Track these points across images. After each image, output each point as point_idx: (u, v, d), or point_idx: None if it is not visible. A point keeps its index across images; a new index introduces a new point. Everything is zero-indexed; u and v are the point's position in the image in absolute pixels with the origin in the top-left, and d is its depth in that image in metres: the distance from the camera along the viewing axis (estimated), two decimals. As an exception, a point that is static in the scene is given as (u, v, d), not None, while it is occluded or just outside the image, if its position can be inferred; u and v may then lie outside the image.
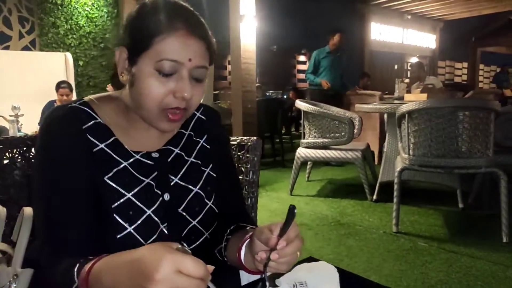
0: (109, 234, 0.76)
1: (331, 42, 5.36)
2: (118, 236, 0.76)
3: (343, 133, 3.47)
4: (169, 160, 0.85)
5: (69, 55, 5.67)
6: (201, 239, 0.86)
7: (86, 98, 0.84)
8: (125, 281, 0.54)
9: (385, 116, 4.42)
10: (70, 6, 6.18)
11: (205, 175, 0.89)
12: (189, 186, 0.86)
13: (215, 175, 0.91)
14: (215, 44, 0.80)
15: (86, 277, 0.60)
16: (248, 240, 0.78)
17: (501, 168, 2.45)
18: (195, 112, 0.94)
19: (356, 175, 4.46)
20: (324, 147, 3.57)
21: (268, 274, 0.69)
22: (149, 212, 0.78)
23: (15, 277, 0.80)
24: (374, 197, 3.37)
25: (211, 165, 0.91)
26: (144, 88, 0.74)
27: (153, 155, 0.83)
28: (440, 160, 2.55)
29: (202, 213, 0.86)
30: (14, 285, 0.79)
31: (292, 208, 0.67)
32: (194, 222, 0.84)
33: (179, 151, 0.88)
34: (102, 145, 0.79)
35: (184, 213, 0.83)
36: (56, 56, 5.69)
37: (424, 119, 2.55)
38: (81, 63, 6.30)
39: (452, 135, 2.50)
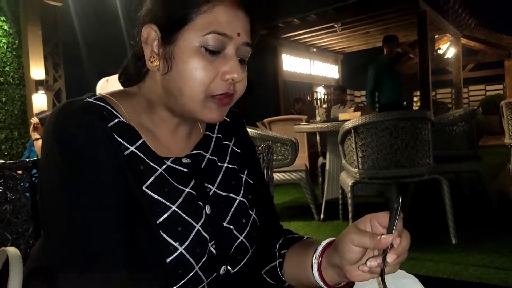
0: (156, 259, 0.59)
1: (388, 51, 4.60)
2: (168, 260, 0.60)
3: (286, 155, 3.48)
4: (202, 166, 0.71)
5: (-40, 90, 4.93)
6: (246, 259, 0.73)
7: (98, 94, 0.68)
8: None
9: (317, 137, 4.60)
10: (-40, 36, 5.44)
11: (243, 181, 0.77)
12: (231, 195, 0.73)
13: (252, 182, 0.79)
14: (259, 23, 0.71)
15: None
16: (326, 251, 0.67)
17: (442, 174, 2.63)
18: None
19: (294, 197, 4.51)
20: (266, 170, 3.53)
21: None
22: (197, 226, 0.64)
23: None
24: (321, 216, 3.40)
25: (246, 170, 0.79)
26: (188, 70, 0.61)
27: (184, 161, 0.69)
28: (387, 171, 2.66)
29: (248, 226, 0.73)
30: None
31: (396, 196, 0.58)
32: (242, 238, 0.71)
33: (211, 156, 0.74)
34: (132, 148, 0.63)
35: (231, 227, 0.70)
36: None
37: (370, 133, 2.67)
38: (-24, 100, 5.51)
39: (395, 147, 2.64)
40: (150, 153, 0.65)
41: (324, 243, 0.68)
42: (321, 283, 0.66)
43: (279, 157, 3.52)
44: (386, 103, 4.44)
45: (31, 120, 3.34)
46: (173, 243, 0.60)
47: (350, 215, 2.70)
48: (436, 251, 2.44)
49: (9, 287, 0.63)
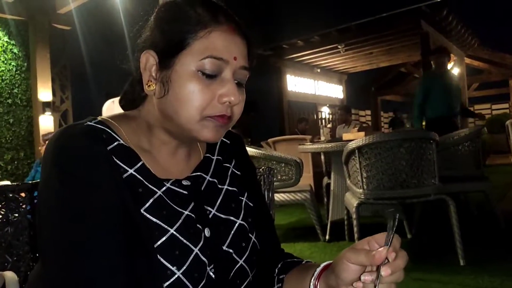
0: (153, 283, 0.58)
1: (436, 64, 4.42)
2: (165, 285, 0.59)
3: (290, 175, 3.46)
4: (202, 188, 0.71)
5: (-31, 112, 5.01)
6: (245, 283, 0.71)
7: (99, 118, 0.68)
8: None
9: (322, 157, 4.58)
10: (-29, 59, 5.57)
11: (243, 204, 0.77)
12: (231, 218, 0.72)
13: (252, 205, 0.78)
14: (255, 48, 0.71)
15: None
16: (323, 273, 0.66)
17: (448, 195, 2.60)
18: None
19: (299, 217, 4.47)
20: (271, 191, 3.51)
21: None
22: (196, 250, 0.63)
23: None
24: (327, 237, 3.35)
25: (246, 193, 0.79)
26: (184, 93, 0.61)
27: (184, 183, 0.69)
28: (392, 191, 2.64)
29: (248, 250, 0.72)
30: None
31: (392, 213, 0.57)
32: (241, 262, 0.70)
33: (210, 179, 0.74)
34: (131, 171, 0.63)
35: (231, 250, 0.69)
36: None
37: (374, 153, 2.66)
38: (-16, 121, 5.60)
39: (400, 167, 2.62)
40: (149, 175, 0.65)
41: (322, 265, 0.67)
42: None
43: (284, 177, 3.51)
44: (435, 117, 4.30)
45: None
46: (171, 267, 0.59)
47: (355, 236, 2.66)
48: (444, 272, 2.38)
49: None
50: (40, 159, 3.34)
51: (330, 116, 11.76)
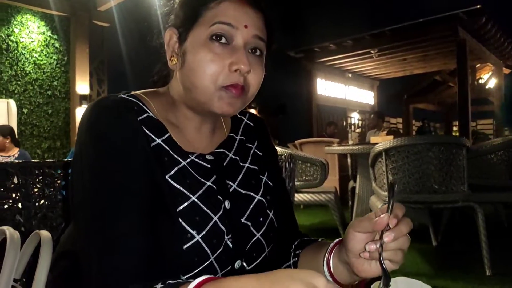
0: (173, 245, 0.62)
1: None
2: (185, 247, 0.62)
3: (315, 176, 3.47)
4: (224, 164, 0.75)
5: (12, 102, 5.30)
6: (261, 257, 0.74)
7: (133, 92, 0.73)
8: None
9: (348, 160, 4.55)
10: (16, 51, 5.88)
11: (263, 182, 0.80)
12: (251, 194, 0.75)
13: (271, 184, 0.82)
14: (273, 22, 0.74)
15: None
16: (335, 248, 0.68)
17: (477, 203, 2.54)
18: (242, 118, 0.86)
19: (323, 219, 4.44)
20: (295, 190, 3.53)
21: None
22: (215, 218, 0.67)
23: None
24: (349, 239, 3.32)
25: (267, 173, 0.82)
26: (196, 62, 0.65)
27: (208, 157, 0.72)
28: (418, 196, 2.60)
29: (266, 225, 0.75)
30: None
31: (392, 184, 0.59)
32: (258, 235, 0.73)
33: (233, 156, 0.78)
34: (159, 140, 0.68)
35: (249, 223, 0.72)
36: (-2, 103, 5.28)
37: (402, 156, 2.63)
38: (25, 111, 5.90)
39: (428, 171, 2.58)
40: (175, 147, 0.69)
41: (334, 242, 0.69)
42: (330, 279, 0.67)
43: (308, 177, 3.51)
44: None
45: None
46: (191, 231, 0.63)
47: (378, 239, 2.63)
48: (469, 281, 2.33)
49: (39, 265, 0.68)
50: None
51: (360, 122, 11.61)
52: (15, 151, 4.16)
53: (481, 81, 11.53)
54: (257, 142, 0.85)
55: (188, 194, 0.66)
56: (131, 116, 0.65)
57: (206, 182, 0.69)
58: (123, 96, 0.69)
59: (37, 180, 0.98)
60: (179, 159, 0.68)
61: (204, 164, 0.71)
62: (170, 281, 0.51)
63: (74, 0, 6.13)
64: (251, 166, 0.79)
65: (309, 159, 3.50)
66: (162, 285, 0.50)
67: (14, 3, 5.67)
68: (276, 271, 0.42)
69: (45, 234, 0.76)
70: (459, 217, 3.27)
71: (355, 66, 9.66)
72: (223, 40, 0.65)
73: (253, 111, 12.26)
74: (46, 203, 1.00)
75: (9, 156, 4.10)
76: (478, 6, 6.38)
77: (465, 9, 6.47)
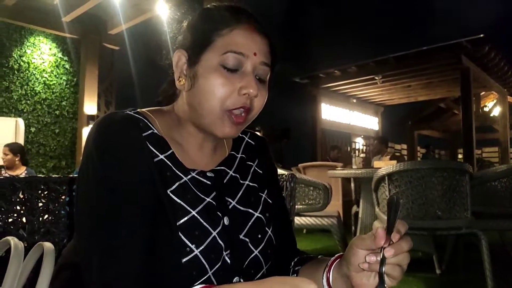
0: (172, 258, 0.64)
1: None
2: (184, 260, 0.64)
3: (317, 199, 3.46)
4: (224, 181, 0.77)
5: (21, 121, 5.39)
6: (259, 274, 0.75)
7: (138, 110, 0.77)
8: None
9: (352, 185, 4.54)
10: (27, 71, 6.02)
11: (262, 200, 0.82)
12: (250, 211, 0.77)
13: (271, 202, 0.83)
14: (277, 47, 0.78)
15: None
16: (336, 262, 0.69)
17: (483, 231, 2.51)
18: (244, 136, 0.89)
19: (325, 245, 4.39)
20: (297, 214, 3.52)
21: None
22: (214, 233, 0.68)
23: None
24: (352, 265, 3.28)
25: (267, 190, 0.84)
26: (207, 85, 0.68)
27: (208, 174, 0.75)
28: (422, 222, 2.58)
29: (264, 242, 0.76)
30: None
31: (394, 199, 0.61)
32: (256, 252, 0.74)
33: (233, 173, 0.80)
34: (162, 156, 0.70)
35: (247, 239, 0.73)
36: (7, 121, 5.37)
37: (405, 181, 2.63)
38: (33, 129, 5.99)
39: (431, 197, 2.57)
40: (177, 163, 0.72)
41: (334, 257, 0.70)
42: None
43: (311, 201, 3.50)
44: None
45: None
46: (190, 245, 0.65)
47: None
48: (473, 311, 2.28)
49: (41, 276, 0.69)
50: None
51: (364, 147, 11.61)
52: (23, 170, 4.20)
53: (486, 109, 11.56)
54: (258, 161, 0.87)
55: (189, 208, 0.68)
56: (136, 132, 0.68)
57: (206, 198, 0.71)
58: (129, 112, 0.72)
59: (42, 195, 1.00)
60: (181, 174, 0.71)
61: (205, 180, 0.73)
62: None
63: (86, 23, 6.31)
64: (251, 184, 0.81)
65: (312, 183, 3.50)
66: None
67: (28, 25, 5.85)
68: (270, 278, 0.44)
69: (48, 245, 0.78)
70: (463, 245, 3.22)
71: (360, 92, 9.75)
72: (234, 67, 0.69)
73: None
74: (50, 218, 1.01)
75: (16, 175, 4.14)
76: (482, 35, 6.47)
77: (468, 37, 6.57)
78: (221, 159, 0.80)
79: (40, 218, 1.01)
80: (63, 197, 1.04)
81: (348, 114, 10.55)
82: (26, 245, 0.97)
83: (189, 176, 0.71)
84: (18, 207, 0.98)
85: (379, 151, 5.90)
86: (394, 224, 0.59)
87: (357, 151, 11.12)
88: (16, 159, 4.08)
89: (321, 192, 3.45)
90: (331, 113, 9.89)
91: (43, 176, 1.06)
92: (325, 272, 0.70)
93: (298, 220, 3.48)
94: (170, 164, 0.70)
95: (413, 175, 2.59)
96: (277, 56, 0.77)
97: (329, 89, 9.38)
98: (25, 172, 4.22)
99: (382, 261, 0.59)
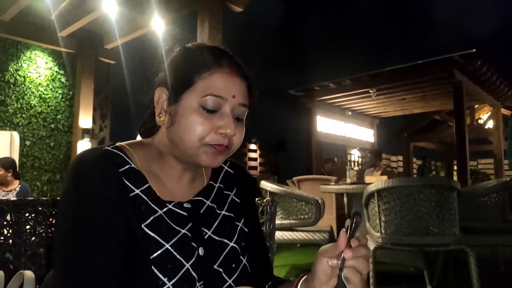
0: None
1: None
2: None
3: (309, 214, 3.48)
4: (201, 212, 0.80)
5: (16, 134, 5.40)
6: None
7: (117, 144, 0.80)
8: None
9: (345, 199, 4.56)
10: (23, 85, 6.06)
11: (238, 229, 0.85)
12: (224, 240, 0.80)
13: (247, 230, 0.86)
14: (255, 87, 0.81)
15: None
16: (303, 278, 0.73)
17: (473, 247, 2.54)
18: (223, 165, 0.92)
19: (318, 260, 4.38)
20: (290, 228, 3.53)
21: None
22: (187, 265, 0.71)
23: None
24: (344, 280, 3.29)
25: (243, 219, 0.87)
26: (187, 124, 0.72)
27: (185, 205, 0.78)
28: (411, 238, 2.60)
29: (238, 271, 0.79)
30: None
31: (356, 214, 0.66)
32: (230, 281, 0.77)
33: (210, 203, 0.83)
34: (137, 191, 0.73)
35: (221, 270, 0.76)
36: (2, 135, 5.38)
37: (393, 198, 2.65)
38: (28, 143, 6.00)
39: (420, 213, 2.60)
40: (154, 196, 0.74)
41: (301, 275, 0.73)
42: None
43: (304, 216, 3.52)
44: None
45: None
46: (163, 278, 0.67)
47: (371, 281, 2.61)
48: (461, 328, 2.29)
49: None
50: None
51: (360, 159, 11.65)
52: (16, 184, 4.19)
53: (481, 121, 11.65)
54: (236, 189, 0.89)
55: (162, 242, 0.70)
56: (112, 168, 0.71)
57: (181, 230, 0.74)
58: (108, 148, 0.75)
59: (30, 217, 1.02)
60: (156, 208, 0.73)
61: (181, 212, 0.76)
62: None
63: (82, 38, 6.38)
64: (227, 214, 0.84)
65: (304, 198, 3.52)
66: None
67: (24, 40, 5.91)
68: None
69: (28, 274, 0.80)
70: (453, 260, 3.24)
71: (355, 104, 9.83)
72: (213, 108, 0.73)
73: (253, 146, 12.26)
74: (37, 240, 1.03)
75: (10, 191, 4.12)
76: (474, 50, 6.57)
77: (461, 52, 6.66)
78: (199, 189, 0.83)
79: (27, 241, 1.02)
80: (51, 219, 1.06)
81: (344, 126, 10.61)
82: (12, 267, 0.99)
83: (165, 209, 0.74)
84: (5, 230, 1.00)
85: (373, 164, 5.94)
86: (354, 234, 0.65)
87: (352, 163, 11.15)
88: (8, 175, 4.07)
89: (313, 207, 3.47)
90: (327, 125, 9.95)
91: (31, 198, 1.08)
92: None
93: (291, 234, 3.49)
94: (146, 198, 0.73)
95: (402, 191, 2.62)
96: (255, 94, 0.80)
97: (324, 102, 9.45)
98: (19, 186, 4.21)
99: (342, 263, 0.63)
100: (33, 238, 1.04)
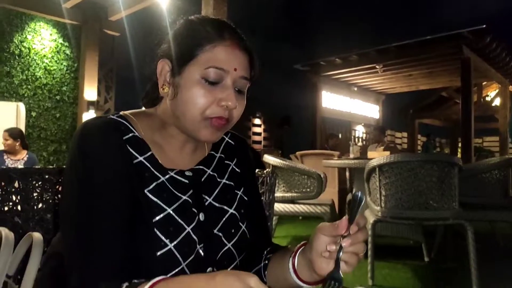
0: (148, 251, 0.70)
1: None
2: (158, 253, 0.70)
3: (311, 188, 3.53)
4: (202, 180, 0.82)
5: (22, 105, 5.44)
6: (232, 266, 0.82)
7: (121, 112, 0.82)
8: None
9: (347, 173, 4.60)
10: (28, 57, 6.06)
11: (238, 197, 0.87)
12: (224, 207, 0.83)
13: (246, 199, 0.89)
14: (257, 61, 0.82)
15: None
16: (301, 248, 0.76)
17: (472, 222, 2.57)
18: (224, 137, 0.94)
19: (320, 233, 4.46)
20: (292, 201, 3.59)
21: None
22: (188, 229, 0.74)
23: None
24: (343, 252, 3.36)
25: (243, 188, 0.90)
26: (189, 96, 0.73)
27: (187, 173, 0.80)
28: (410, 212, 2.65)
29: (237, 236, 0.82)
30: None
31: (358, 196, 0.67)
32: (229, 245, 0.80)
33: (211, 172, 0.85)
34: (141, 158, 0.76)
35: (220, 234, 0.79)
36: (8, 106, 5.43)
37: (394, 173, 2.68)
38: (34, 114, 6.06)
39: (420, 188, 2.63)
40: (156, 164, 0.77)
41: (300, 244, 0.77)
42: (294, 276, 0.75)
43: (306, 189, 3.57)
44: None
45: None
46: (164, 239, 0.71)
47: (369, 253, 2.68)
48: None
49: (29, 264, 0.75)
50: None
51: (364, 135, 11.64)
52: (24, 154, 4.26)
53: (488, 99, 11.52)
54: (236, 160, 0.92)
55: (164, 206, 0.73)
56: (116, 136, 0.74)
57: (183, 196, 0.77)
58: (112, 117, 0.78)
59: (37, 185, 1.06)
60: (159, 175, 0.76)
61: (183, 179, 0.79)
62: (135, 281, 0.58)
63: (87, 9, 6.31)
64: (228, 182, 0.87)
65: (307, 172, 3.56)
66: (127, 284, 0.58)
67: (28, 11, 5.86)
68: (221, 271, 0.50)
69: (37, 236, 0.84)
70: (452, 234, 3.30)
71: (361, 80, 9.73)
72: (215, 81, 0.74)
73: (258, 121, 12.23)
74: (44, 206, 1.07)
75: (18, 160, 4.20)
76: (484, 26, 6.43)
77: (470, 28, 6.53)
78: (201, 159, 0.86)
79: (35, 207, 1.06)
80: (57, 186, 1.10)
81: (349, 102, 10.55)
82: (21, 231, 1.04)
83: (167, 176, 0.77)
84: (13, 197, 1.04)
85: (377, 140, 5.95)
86: (355, 217, 0.66)
87: (356, 139, 11.15)
88: (17, 144, 4.14)
89: (315, 181, 3.51)
90: (332, 101, 9.89)
91: (37, 167, 1.12)
92: (291, 258, 0.77)
93: (293, 207, 3.56)
94: (149, 165, 0.76)
95: (403, 166, 2.64)
96: (257, 68, 0.81)
97: (330, 77, 9.36)
98: (27, 156, 4.28)
99: (340, 249, 0.66)
100: (41, 205, 1.08)
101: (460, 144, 13.65)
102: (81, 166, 0.70)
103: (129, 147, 0.75)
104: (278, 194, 3.66)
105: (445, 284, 2.65)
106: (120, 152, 0.73)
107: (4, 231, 0.77)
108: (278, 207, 3.59)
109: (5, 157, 4.14)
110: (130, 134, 0.76)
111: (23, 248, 0.80)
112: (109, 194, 0.69)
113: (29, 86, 6.00)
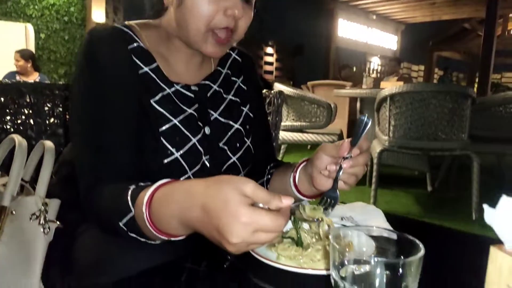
0: (155, 159, 0.72)
1: None
2: (165, 161, 0.72)
3: (320, 117, 3.53)
4: (208, 95, 0.82)
5: (30, 26, 5.35)
6: None
7: (126, 22, 0.80)
8: (196, 225, 0.51)
9: (358, 104, 4.56)
10: (33, -26, 5.81)
11: (244, 113, 0.88)
12: (230, 122, 0.84)
13: (252, 116, 0.90)
14: None
15: (147, 207, 0.56)
16: (303, 164, 0.78)
17: (480, 154, 2.58)
18: (231, 53, 0.92)
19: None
20: (301, 130, 3.62)
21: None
22: (194, 140, 0.76)
23: (45, 205, 0.75)
24: (349, 180, 3.45)
25: (249, 105, 0.90)
26: (194, 5, 0.70)
27: (193, 88, 0.80)
28: (418, 142, 2.66)
29: (242, 150, 0.84)
30: (46, 214, 0.74)
31: (364, 119, 0.67)
32: (234, 158, 0.82)
33: (217, 88, 0.85)
34: (146, 69, 0.75)
35: (225, 147, 0.81)
36: (16, 26, 5.34)
37: (406, 103, 2.65)
38: (42, 35, 5.97)
39: (430, 119, 2.61)
40: (162, 76, 0.77)
41: (302, 160, 0.79)
42: (294, 189, 0.79)
43: (315, 119, 3.57)
44: None
45: None
46: (171, 148, 0.73)
47: (373, 180, 2.74)
48: (454, 223, 2.45)
49: (43, 168, 0.79)
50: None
51: (379, 68, 11.34)
52: (36, 76, 4.29)
53: (513, 32, 10.94)
54: (243, 77, 0.91)
55: (170, 117, 0.74)
56: (121, 45, 0.73)
57: (188, 109, 0.77)
58: (116, 25, 0.76)
59: (48, 100, 1.08)
60: (164, 86, 0.76)
61: (188, 93, 0.79)
62: (141, 183, 0.61)
63: None
64: (234, 98, 0.87)
65: (317, 101, 3.53)
66: (134, 186, 0.61)
67: None
68: (218, 176, 0.52)
69: (48, 143, 0.87)
70: (458, 166, 3.33)
71: (381, 7, 9.24)
72: None
73: (270, 50, 11.88)
74: (56, 121, 1.10)
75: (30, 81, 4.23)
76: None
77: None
78: (207, 74, 0.85)
79: (47, 121, 1.09)
80: (67, 102, 1.11)
81: (366, 31, 10.13)
82: (34, 143, 1.08)
83: (172, 89, 0.77)
84: (25, 110, 1.06)
85: (393, 72, 5.80)
86: (359, 140, 0.66)
87: (371, 71, 10.89)
88: (28, 65, 4.15)
89: (325, 110, 3.50)
90: (348, 30, 9.50)
91: (47, 82, 1.13)
92: (292, 172, 0.79)
93: (301, 136, 3.59)
94: (154, 77, 0.75)
95: (415, 97, 2.60)
96: None
97: (348, 3, 8.90)
98: (38, 78, 4.31)
99: (339, 170, 0.67)
100: (52, 119, 1.10)
101: (477, 80, 13.31)
102: (88, 74, 0.71)
103: (134, 57, 0.74)
104: (287, 123, 3.67)
105: (445, 210, 2.74)
106: (125, 60, 0.73)
107: (17, 137, 0.80)
108: (287, 135, 3.62)
109: (18, 78, 4.17)
110: (135, 44, 0.75)
111: (36, 155, 0.84)
112: (116, 101, 0.70)
113: (36, 6, 5.83)
